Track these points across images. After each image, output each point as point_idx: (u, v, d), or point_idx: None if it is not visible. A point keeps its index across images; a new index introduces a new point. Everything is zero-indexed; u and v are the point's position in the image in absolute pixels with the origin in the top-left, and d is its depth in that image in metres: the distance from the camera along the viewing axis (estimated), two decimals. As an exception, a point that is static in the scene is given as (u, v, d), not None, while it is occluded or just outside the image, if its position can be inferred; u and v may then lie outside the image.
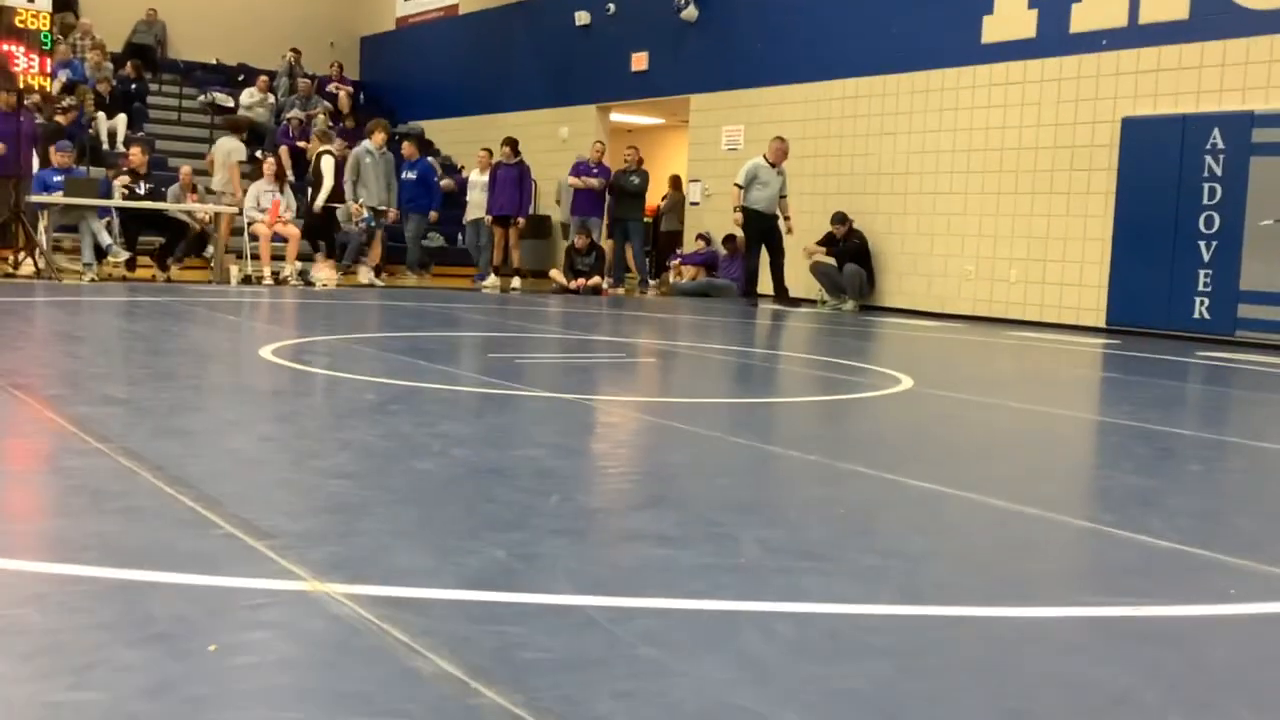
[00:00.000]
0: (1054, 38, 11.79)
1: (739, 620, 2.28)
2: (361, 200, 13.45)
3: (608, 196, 15.00)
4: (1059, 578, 2.83)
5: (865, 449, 4.55)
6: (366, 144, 13.74)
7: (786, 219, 13.21)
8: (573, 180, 14.79)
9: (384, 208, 13.70)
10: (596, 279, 14.15)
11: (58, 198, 11.74)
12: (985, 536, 3.19)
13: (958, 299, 12.73)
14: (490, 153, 14.82)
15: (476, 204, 14.77)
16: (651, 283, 15.51)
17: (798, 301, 13.35)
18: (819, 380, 7.01)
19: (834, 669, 2.04)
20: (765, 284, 13.55)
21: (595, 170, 14.86)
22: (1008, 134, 12.18)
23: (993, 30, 12.26)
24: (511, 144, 14.73)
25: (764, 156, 13.23)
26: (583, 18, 17.17)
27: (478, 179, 14.84)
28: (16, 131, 11.70)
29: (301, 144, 16.38)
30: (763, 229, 13.14)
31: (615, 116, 17.70)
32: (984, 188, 12.41)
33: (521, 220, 14.84)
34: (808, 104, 14.11)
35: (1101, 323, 11.47)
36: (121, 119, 16.77)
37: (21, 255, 11.74)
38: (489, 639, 2.07)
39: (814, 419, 5.41)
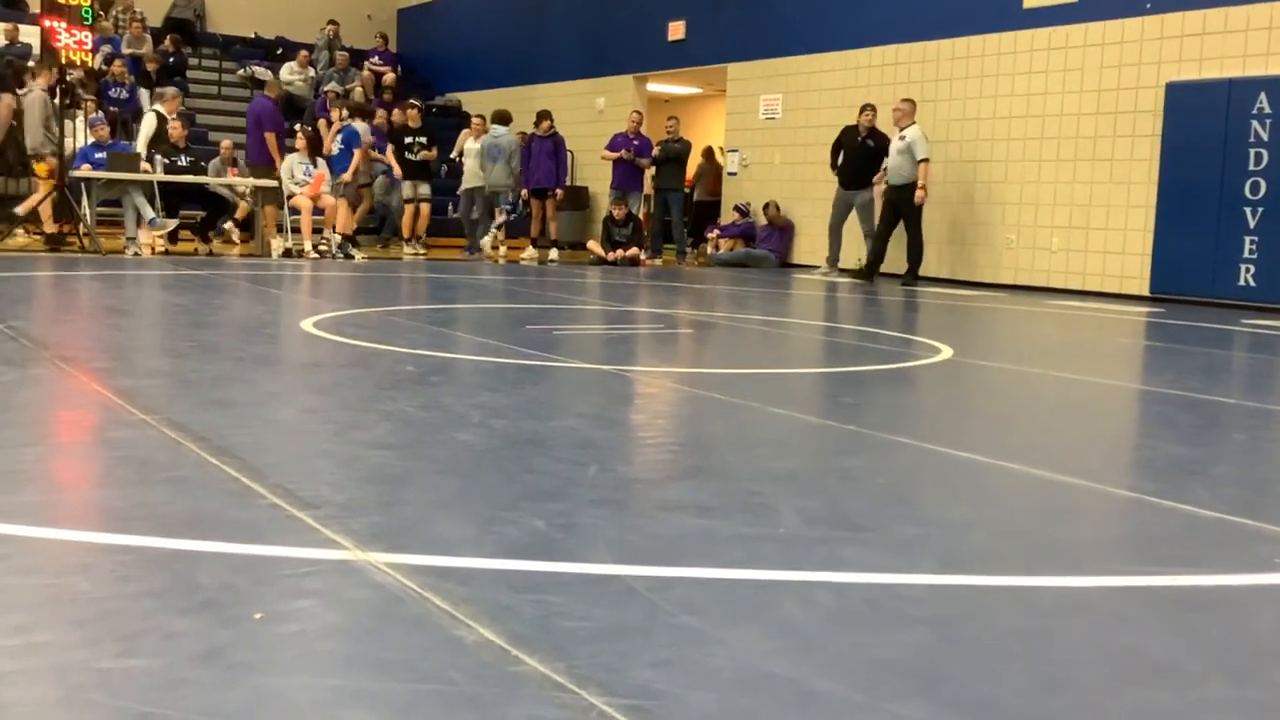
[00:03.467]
0: (1096, 1, 11.60)
1: (778, 589, 2.29)
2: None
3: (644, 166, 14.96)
4: (1101, 547, 2.81)
5: (905, 419, 4.54)
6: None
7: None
8: (606, 154, 14.74)
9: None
10: (634, 250, 14.13)
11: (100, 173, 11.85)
12: (1026, 506, 3.17)
13: (998, 268, 12.61)
14: (484, 119, 14.74)
15: (471, 173, 14.67)
16: (689, 253, 15.47)
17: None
18: (858, 350, 6.98)
19: (873, 638, 2.04)
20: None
21: (635, 141, 14.80)
22: (1049, 100, 12.02)
23: (1034, -5, 12.08)
24: (546, 116, 14.71)
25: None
26: (619, -13, 17.08)
27: (471, 147, 14.75)
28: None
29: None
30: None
31: (652, 87, 17.61)
32: (1025, 155, 12.26)
33: (559, 192, 14.83)
34: (846, 71, 13.98)
35: (1145, 291, 11.33)
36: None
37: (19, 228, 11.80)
38: (529, 608, 2.09)
39: (853, 389, 5.39)
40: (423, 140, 14.54)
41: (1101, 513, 3.16)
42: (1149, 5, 11.20)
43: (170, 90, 13.91)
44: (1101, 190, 11.65)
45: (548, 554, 2.44)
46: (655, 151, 14.99)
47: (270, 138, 13.67)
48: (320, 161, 13.44)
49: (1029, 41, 12.17)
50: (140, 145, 12.91)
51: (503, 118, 14.65)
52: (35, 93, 12.62)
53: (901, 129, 12.37)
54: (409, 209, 14.40)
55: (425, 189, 14.49)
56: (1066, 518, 3.05)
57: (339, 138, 14.01)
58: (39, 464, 3.15)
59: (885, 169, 12.65)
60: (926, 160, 12.20)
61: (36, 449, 3.36)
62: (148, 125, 13.17)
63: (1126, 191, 11.44)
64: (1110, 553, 2.77)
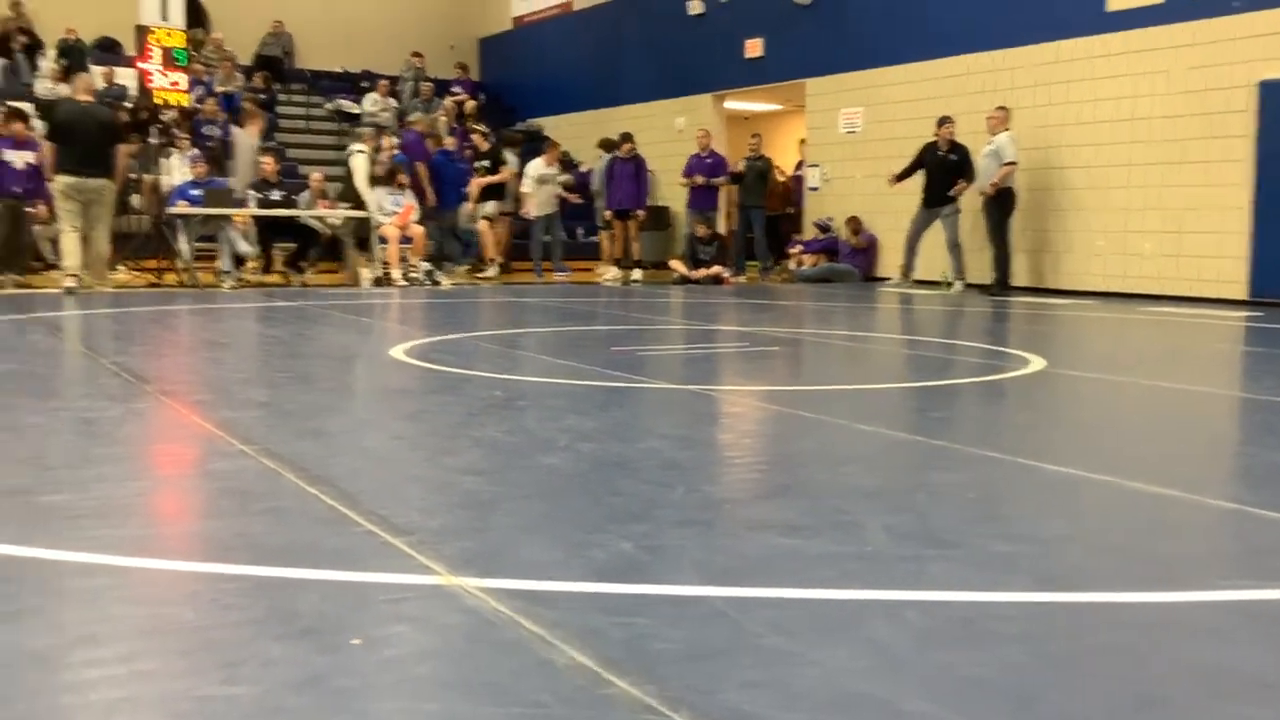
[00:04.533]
0: (1182, 2, 11.36)
1: (867, 609, 2.29)
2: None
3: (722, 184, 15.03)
4: (1200, 561, 2.75)
5: (995, 432, 4.49)
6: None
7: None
8: (682, 180, 14.85)
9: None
10: (717, 268, 14.14)
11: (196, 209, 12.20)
12: (1122, 520, 3.12)
13: (1088, 275, 12.37)
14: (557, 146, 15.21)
15: (545, 199, 14.90)
16: (772, 270, 15.44)
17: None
18: (945, 363, 6.91)
19: (964, 657, 2.03)
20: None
21: (708, 160, 14.88)
22: (1138, 104, 11.79)
23: (1119, -3, 11.88)
24: (628, 138, 14.83)
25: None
26: (695, 7, 17.15)
27: (547, 173, 14.95)
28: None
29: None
30: None
31: (730, 104, 17.64)
32: (1113, 160, 12.03)
33: (641, 213, 14.92)
34: (926, 82, 13.86)
35: (1244, 295, 11.03)
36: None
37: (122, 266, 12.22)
38: (619, 630, 2.11)
39: (941, 403, 5.34)
40: (485, 164, 14.73)
41: (1200, 525, 3.10)
42: (1236, 4, 10.94)
43: (254, 112, 14.38)
44: (1194, 193, 11.38)
45: (635, 576, 2.46)
46: (738, 166, 15.04)
47: (421, 168, 13.96)
48: (409, 192, 13.68)
49: (1114, 45, 11.96)
50: (360, 183, 13.40)
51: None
52: (245, 139, 13.32)
53: (994, 135, 12.25)
54: (482, 230, 14.54)
55: (489, 208, 14.59)
56: (1163, 531, 2.99)
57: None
58: (144, 497, 3.26)
59: (961, 183, 12.56)
60: (1013, 164, 12.08)
61: (142, 482, 3.47)
62: (361, 165, 13.54)
63: (1221, 193, 11.16)
64: (1210, 566, 2.72)
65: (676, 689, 1.85)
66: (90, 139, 10.97)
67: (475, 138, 15.12)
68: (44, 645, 2.03)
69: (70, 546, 2.60)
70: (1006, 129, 12.27)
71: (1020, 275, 12.86)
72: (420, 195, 13.92)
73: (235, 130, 16.63)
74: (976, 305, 11.06)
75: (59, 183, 11.06)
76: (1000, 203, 12.27)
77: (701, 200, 14.85)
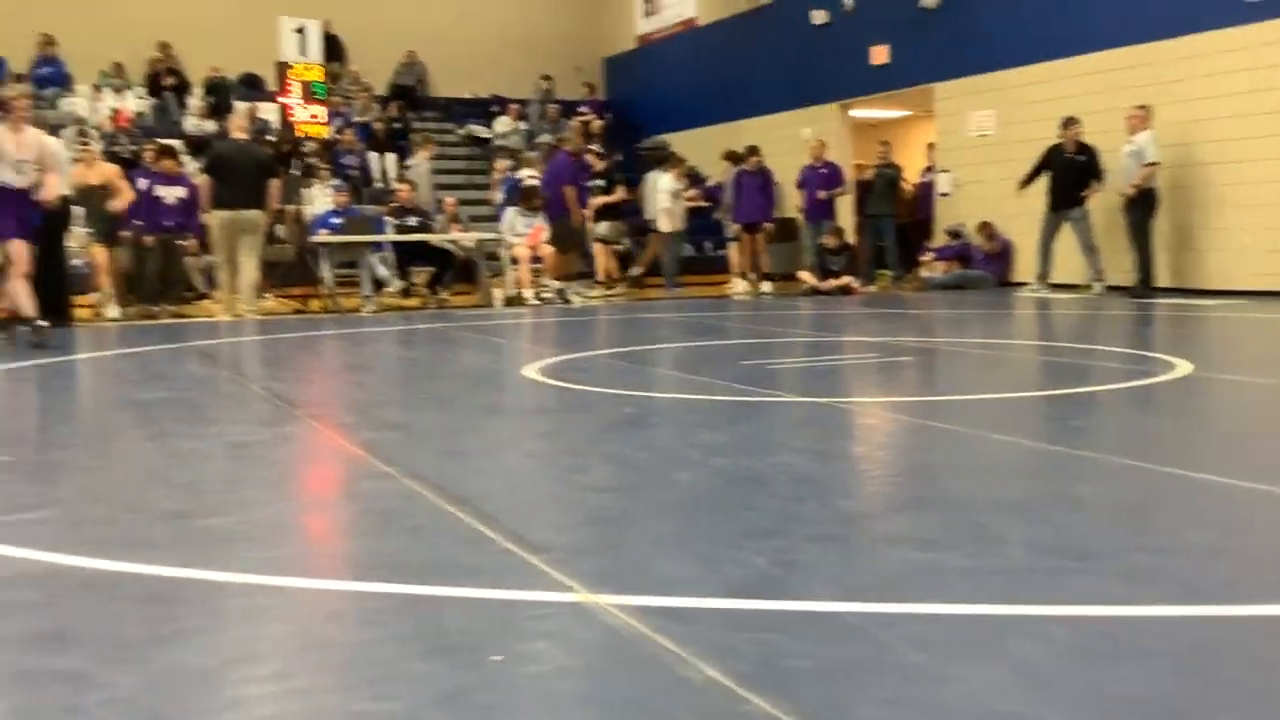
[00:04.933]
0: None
1: (1008, 624, 2.25)
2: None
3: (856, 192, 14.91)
4: (1362, 573, 2.63)
5: (1139, 441, 4.36)
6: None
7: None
8: (797, 204, 14.78)
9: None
10: (846, 278, 14.01)
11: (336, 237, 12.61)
12: (1273, 530, 3.00)
13: (1238, 274, 11.88)
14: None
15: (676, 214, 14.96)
16: (903, 279, 15.24)
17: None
18: (1085, 370, 6.72)
19: (1111, 673, 1.98)
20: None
21: (823, 170, 14.80)
22: (1281, 95, 11.31)
23: (1262, -15, 11.42)
24: (755, 151, 14.83)
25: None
26: (820, 16, 17.06)
27: (673, 187, 15.00)
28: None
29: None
30: None
31: (857, 113, 17.48)
32: (1260, 154, 11.54)
33: (769, 225, 14.90)
34: (1059, 82, 13.52)
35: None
36: (391, 158, 17.86)
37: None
38: (754, 647, 2.12)
39: (1082, 411, 5.20)
40: (601, 184, 14.83)
41: (1362, 535, 2.96)
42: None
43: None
44: (1348, 185, 10.86)
45: (770, 592, 2.47)
46: (866, 175, 14.93)
47: (568, 192, 14.26)
48: (541, 214, 13.90)
49: (1255, 36, 11.49)
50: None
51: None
52: (424, 166, 13.86)
53: (1134, 135, 11.91)
54: (596, 251, 14.61)
55: (604, 228, 14.62)
56: (1322, 541, 2.87)
57: (503, 187, 14.42)
58: (295, 518, 3.39)
59: (1094, 184, 12.24)
60: (1155, 164, 11.71)
61: (292, 504, 3.61)
62: (426, 177, 14.02)
63: (1380, 184, 10.63)
64: (1373, 578, 2.60)
65: (813, 706, 1.85)
66: (246, 175, 11.56)
67: (589, 157, 15.26)
68: (204, 664, 2.13)
69: (227, 568, 2.72)
70: (1148, 128, 11.90)
71: (1163, 275, 12.44)
72: (563, 215, 14.11)
73: (371, 156, 17.17)
74: (1118, 308, 10.73)
75: (215, 217, 11.65)
76: (1142, 203, 11.91)
77: (818, 211, 14.80)
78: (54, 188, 8.79)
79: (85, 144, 12.15)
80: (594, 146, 15.93)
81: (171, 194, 12.20)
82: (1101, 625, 2.24)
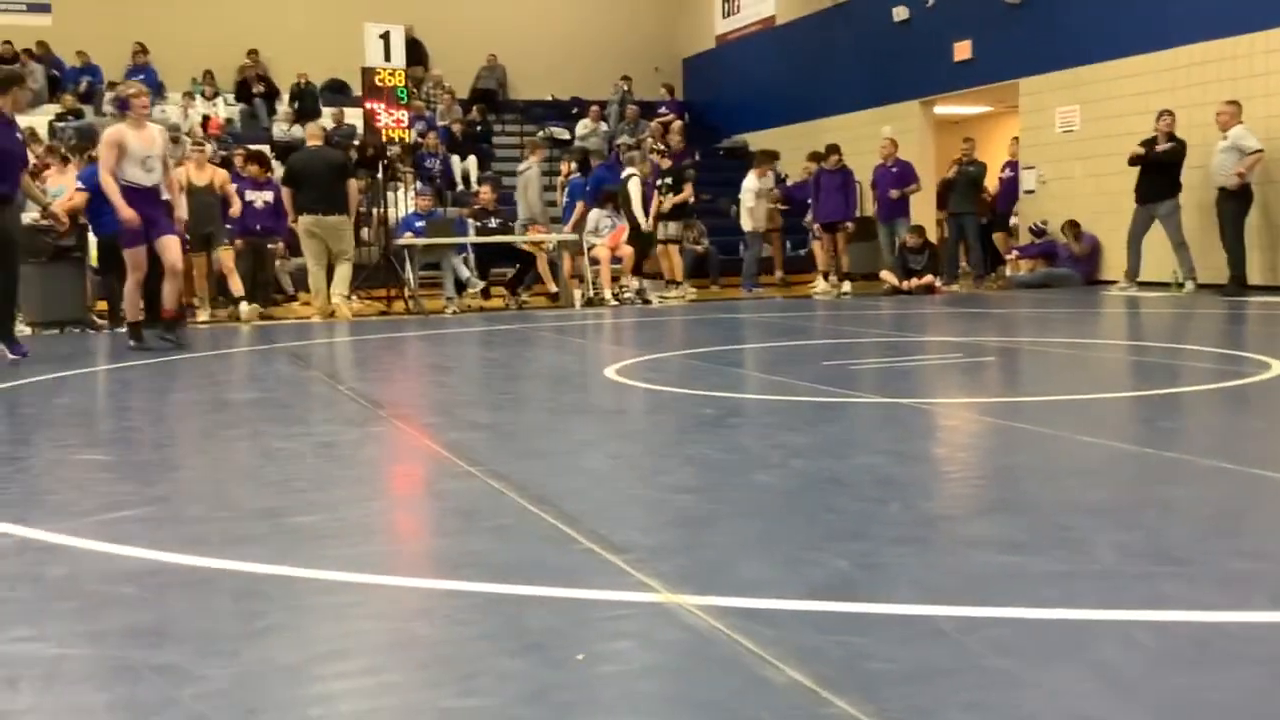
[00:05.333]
0: None
1: (1095, 629, 2.22)
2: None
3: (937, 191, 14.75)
4: None
5: (1232, 443, 4.26)
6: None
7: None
8: (893, 193, 14.62)
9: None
10: (929, 277, 13.87)
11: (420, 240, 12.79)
12: (1375, 536, 2.92)
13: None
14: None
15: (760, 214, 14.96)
16: (986, 277, 15.03)
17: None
18: (1174, 370, 6.58)
19: (1201, 680, 1.95)
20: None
21: (894, 169, 14.67)
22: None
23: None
24: (835, 150, 14.74)
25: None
26: (901, 13, 16.90)
27: (752, 186, 15.00)
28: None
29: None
30: None
31: (939, 109, 17.28)
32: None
33: (849, 225, 14.79)
34: (1148, 76, 13.23)
35: None
36: (473, 161, 18.06)
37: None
38: (836, 649, 2.13)
39: (1172, 412, 5.10)
40: (667, 181, 14.82)
41: None
42: None
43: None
44: None
45: (852, 594, 2.47)
46: (949, 173, 14.77)
47: (687, 189, 14.43)
48: (621, 214, 13.95)
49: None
50: (636, 206, 13.96)
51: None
52: (533, 170, 14.28)
53: (1226, 131, 11.65)
54: (661, 252, 14.60)
55: (672, 229, 14.58)
56: None
57: (566, 190, 14.45)
58: (382, 516, 3.46)
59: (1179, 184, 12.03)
60: (1260, 151, 11.42)
61: (379, 502, 3.68)
62: (635, 188, 14.13)
63: None
64: None
65: (897, 710, 1.85)
66: (321, 180, 11.87)
67: (655, 156, 15.27)
68: (295, 659, 2.19)
69: (317, 565, 2.78)
70: (1239, 123, 11.63)
71: (1259, 273, 12.12)
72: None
73: (454, 160, 17.37)
74: (1209, 306, 10.48)
75: (301, 222, 12.05)
76: (1239, 197, 11.63)
77: (890, 210, 14.69)
78: (174, 184, 8.80)
79: (200, 146, 12.42)
80: (661, 146, 15.91)
81: (260, 198, 12.47)
82: (1191, 631, 2.21)
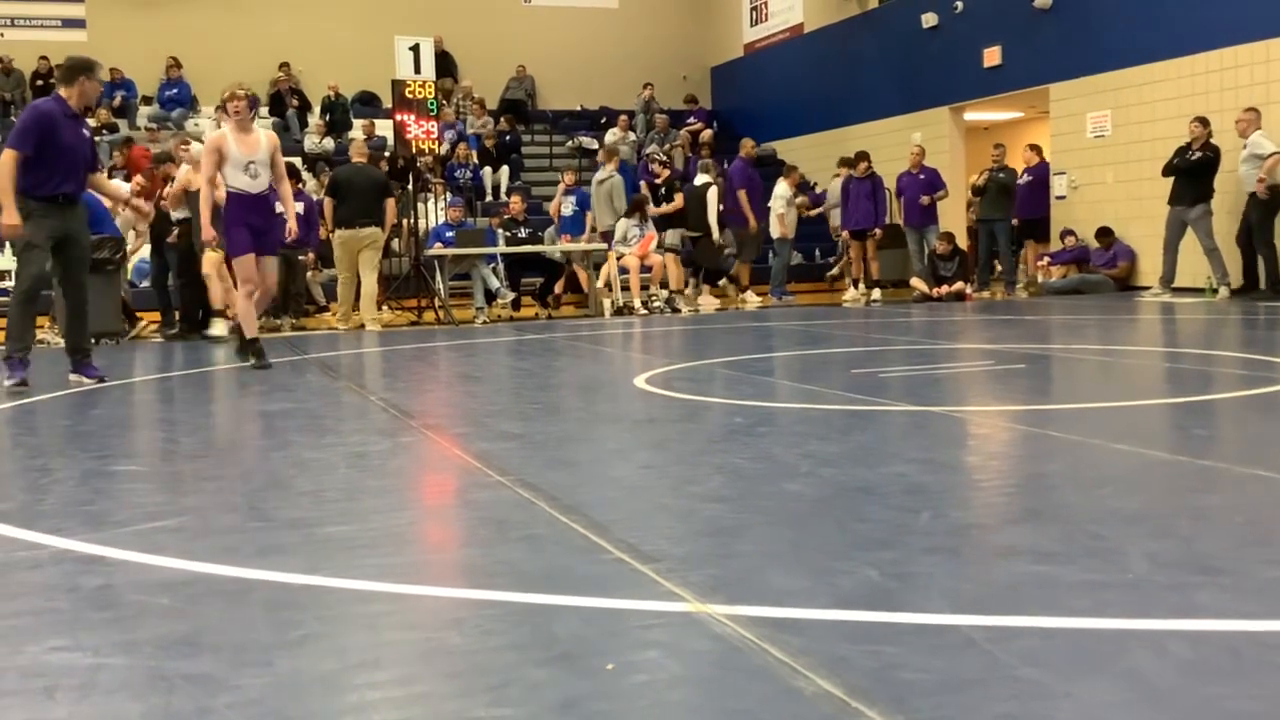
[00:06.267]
0: None
1: (1128, 639, 2.21)
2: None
3: (970, 197, 14.70)
4: None
5: (1267, 450, 4.22)
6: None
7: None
8: (924, 199, 14.58)
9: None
10: (959, 284, 13.81)
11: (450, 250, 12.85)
12: None
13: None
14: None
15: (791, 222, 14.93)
16: (1018, 284, 14.96)
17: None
18: (1208, 377, 6.53)
19: (1234, 689, 1.94)
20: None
21: (921, 176, 14.63)
22: None
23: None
24: (864, 157, 14.73)
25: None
26: (930, 19, 16.87)
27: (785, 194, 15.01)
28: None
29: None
30: None
31: (969, 115, 17.22)
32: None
33: (878, 232, 14.77)
34: (1180, 80, 13.14)
35: None
36: (504, 171, 18.14)
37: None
38: (866, 659, 2.12)
39: (1206, 419, 5.06)
40: (662, 192, 14.88)
41: None
42: None
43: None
44: None
45: (882, 604, 2.46)
46: (980, 179, 14.72)
47: (741, 195, 14.51)
48: (650, 222, 13.97)
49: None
50: (712, 214, 14.22)
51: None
52: (615, 178, 14.50)
53: (1245, 138, 11.64)
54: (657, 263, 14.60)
55: (670, 238, 14.46)
56: None
57: (572, 199, 14.43)
58: (413, 526, 3.48)
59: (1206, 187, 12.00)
60: (1276, 153, 11.39)
61: (410, 512, 3.71)
62: (712, 197, 14.30)
63: None
64: None
65: None
66: (364, 195, 12.07)
67: (655, 166, 15.31)
68: (328, 669, 2.21)
69: (349, 575, 2.81)
70: (1259, 128, 11.63)
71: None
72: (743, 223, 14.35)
73: (485, 171, 17.41)
74: (1242, 312, 10.38)
75: (338, 235, 12.21)
76: (1267, 202, 11.57)
77: (918, 217, 14.65)
78: (288, 197, 8.09)
79: (186, 145, 12.33)
80: (660, 155, 15.92)
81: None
82: (1225, 640, 2.19)
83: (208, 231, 7.89)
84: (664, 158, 15.87)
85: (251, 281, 7.85)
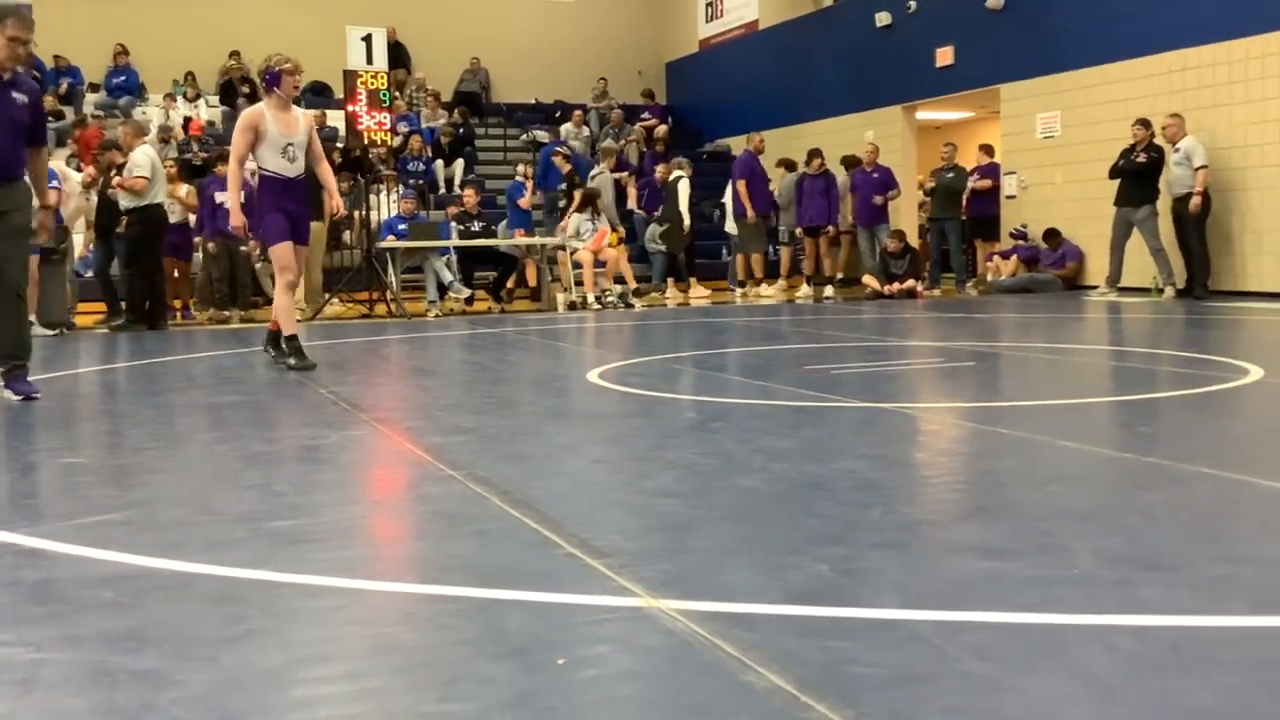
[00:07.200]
0: None
1: (1074, 634, 2.23)
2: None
3: (922, 197, 14.83)
4: None
5: (1210, 448, 4.28)
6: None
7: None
8: (877, 199, 14.69)
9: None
10: (911, 282, 13.92)
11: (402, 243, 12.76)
12: (1352, 541, 2.94)
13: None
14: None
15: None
16: (968, 282, 15.11)
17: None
18: (1154, 375, 6.62)
19: (1178, 684, 1.96)
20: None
21: (874, 174, 14.74)
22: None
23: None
24: (817, 154, 14.80)
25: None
26: (884, 18, 16.97)
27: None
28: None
29: (616, 175, 17.08)
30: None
31: (921, 115, 17.35)
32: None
33: (831, 229, 14.85)
34: (1129, 82, 13.32)
35: None
36: (458, 164, 18.03)
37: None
38: (817, 654, 2.13)
39: (1151, 417, 5.13)
40: (563, 187, 14.99)
41: None
42: None
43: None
44: None
45: (833, 599, 2.47)
46: (931, 183, 14.88)
47: (740, 185, 14.62)
48: (603, 217, 13.97)
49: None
50: (684, 205, 14.47)
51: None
52: (605, 174, 14.61)
53: (1175, 143, 11.95)
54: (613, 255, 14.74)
55: (652, 232, 14.84)
56: (1400, 552, 2.81)
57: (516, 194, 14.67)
58: (364, 520, 3.45)
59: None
60: (1205, 167, 11.70)
61: (361, 506, 3.67)
62: (684, 189, 14.57)
63: None
64: None
65: (876, 714, 1.86)
66: (310, 190, 11.84)
67: (557, 160, 15.35)
68: (275, 664, 2.18)
69: (298, 569, 2.78)
70: (1186, 134, 11.96)
71: (1238, 279, 12.25)
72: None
73: (437, 164, 17.32)
74: (1186, 312, 10.55)
75: None
76: (1201, 204, 11.91)
77: (867, 216, 14.77)
78: (329, 177, 7.48)
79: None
80: (563, 150, 15.92)
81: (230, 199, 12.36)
82: (1170, 636, 2.22)
83: (237, 217, 7.24)
84: (567, 151, 15.86)
85: (290, 270, 7.20)
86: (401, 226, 13.06)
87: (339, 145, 15.21)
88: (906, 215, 16.19)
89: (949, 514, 3.34)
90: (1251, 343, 8.23)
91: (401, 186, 15.16)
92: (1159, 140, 12.32)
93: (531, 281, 13.91)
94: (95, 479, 4.15)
